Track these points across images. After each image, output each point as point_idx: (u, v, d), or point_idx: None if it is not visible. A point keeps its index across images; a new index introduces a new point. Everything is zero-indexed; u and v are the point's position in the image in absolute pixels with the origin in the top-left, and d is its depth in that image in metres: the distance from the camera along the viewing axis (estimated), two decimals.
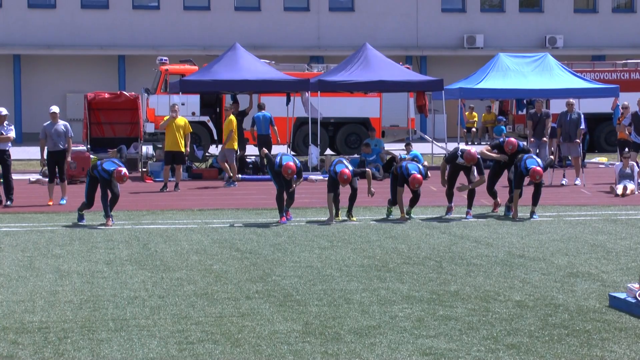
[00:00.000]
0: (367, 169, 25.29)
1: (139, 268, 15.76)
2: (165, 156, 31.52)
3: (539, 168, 23.51)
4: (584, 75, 42.83)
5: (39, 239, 19.45)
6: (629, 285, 12.81)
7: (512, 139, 25.35)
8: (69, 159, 27.31)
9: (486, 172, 24.18)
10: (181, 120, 31.20)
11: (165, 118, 31.37)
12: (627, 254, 17.59)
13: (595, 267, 15.99)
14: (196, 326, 11.39)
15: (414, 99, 44.54)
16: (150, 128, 40.88)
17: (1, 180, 26.64)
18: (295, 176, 22.48)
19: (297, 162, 22.91)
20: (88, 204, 22.27)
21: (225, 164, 32.46)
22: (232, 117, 32.81)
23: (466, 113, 51.77)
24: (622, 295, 12.57)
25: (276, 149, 33.84)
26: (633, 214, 24.52)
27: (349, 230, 21.24)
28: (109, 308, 12.49)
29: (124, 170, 21.63)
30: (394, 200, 23.65)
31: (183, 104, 38.96)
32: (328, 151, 44.70)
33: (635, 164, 29.95)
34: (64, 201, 26.40)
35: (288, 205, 22.94)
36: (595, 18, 68.80)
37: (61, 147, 26.83)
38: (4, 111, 26.72)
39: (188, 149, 31.73)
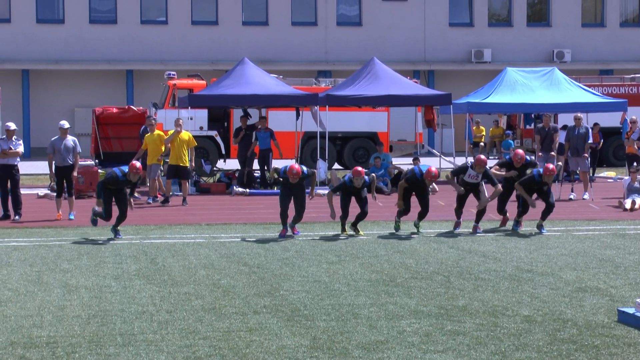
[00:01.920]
0: (372, 174, 25.24)
1: (147, 283, 15.76)
2: (168, 169, 31.55)
3: (551, 166, 23.58)
4: (592, 90, 42.78)
5: (47, 253, 19.42)
6: (637, 300, 12.78)
7: (520, 151, 25.27)
8: (75, 174, 27.28)
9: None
10: (185, 135, 31.20)
11: (170, 132, 31.23)
12: (636, 268, 17.57)
13: (604, 282, 15.96)
14: (204, 341, 11.39)
15: (422, 114, 44.65)
16: None
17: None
18: (305, 179, 22.69)
19: (304, 167, 23.02)
20: (107, 217, 21.88)
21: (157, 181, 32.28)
22: (164, 132, 32.57)
23: (473, 127, 51.71)
24: (631, 310, 12.54)
25: (282, 164, 34.00)
26: None
27: (356, 245, 21.16)
28: (117, 323, 12.49)
29: (138, 163, 21.35)
30: (400, 203, 23.67)
31: (191, 119, 39.12)
32: (336, 165, 44.65)
33: None
34: (72, 216, 26.36)
35: (295, 221, 22.72)
36: (603, 32, 68.83)
37: (70, 162, 26.84)
38: (13, 126, 26.78)
39: (193, 164, 31.74)
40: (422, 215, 23.73)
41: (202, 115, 40.45)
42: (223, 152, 41.49)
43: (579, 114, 34.05)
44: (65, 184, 26.73)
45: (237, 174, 37.57)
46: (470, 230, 23.71)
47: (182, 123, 31.44)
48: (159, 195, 31.61)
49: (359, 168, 23.06)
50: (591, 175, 34.84)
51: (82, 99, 59.44)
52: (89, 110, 43.70)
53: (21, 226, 24.72)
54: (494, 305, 13.85)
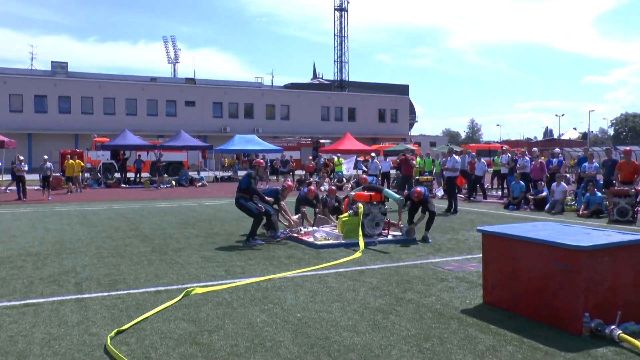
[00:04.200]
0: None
1: (82, 226, 14.90)
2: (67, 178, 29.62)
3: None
4: (271, 144, 43.39)
5: (37, 215, 18.08)
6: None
7: (418, 188, 12.50)
8: (51, 179, 25.97)
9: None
10: (78, 163, 29.28)
11: (71, 162, 29.17)
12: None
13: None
14: (106, 251, 10.96)
15: (201, 153, 44.30)
16: (88, 165, 38.78)
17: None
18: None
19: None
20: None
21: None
22: (77, 160, 29.90)
23: (223, 159, 50.78)
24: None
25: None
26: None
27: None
28: (67, 244, 11.84)
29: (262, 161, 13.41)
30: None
31: (103, 155, 37.81)
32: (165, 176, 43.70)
33: None
34: (50, 198, 24.63)
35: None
36: (287, 122, 69.71)
37: (49, 173, 25.58)
38: (21, 157, 25.20)
39: (79, 174, 29.96)
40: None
41: (107, 152, 38.58)
42: (117, 169, 39.57)
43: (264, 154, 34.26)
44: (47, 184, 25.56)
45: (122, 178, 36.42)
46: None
47: (76, 157, 30.18)
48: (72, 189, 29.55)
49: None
50: None
51: (56, 147, 55.24)
52: (57, 152, 41.27)
53: (25, 203, 22.92)
54: (165, 233, 13.80)
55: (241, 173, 43.08)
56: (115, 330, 5.91)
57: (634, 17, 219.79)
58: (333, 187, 14.81)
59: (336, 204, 14.26)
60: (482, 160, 23.84)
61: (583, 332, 5.71)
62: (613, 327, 5.65)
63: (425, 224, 12.36)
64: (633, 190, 15.81)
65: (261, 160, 13.27)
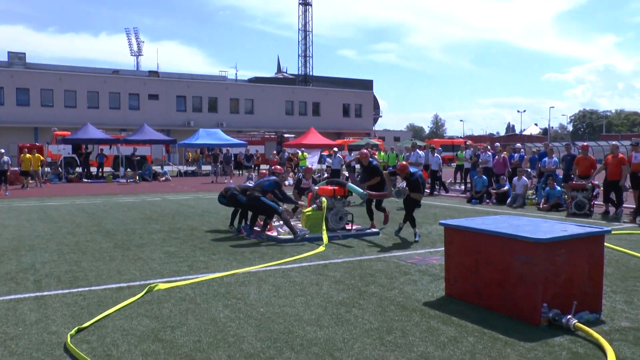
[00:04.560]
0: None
1: (42, 222, 14.57)
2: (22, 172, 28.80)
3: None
4: (236, 137, 43.11)
5: None
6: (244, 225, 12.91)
7: (403, 162, 12.15)
8: (8, 173, 25.22)
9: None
10: (37, 157, 28.49)
11: (28, 156, 28.41)
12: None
13: None
14: (67, 247, 10.74)
15: (164, 147, 43.83)
16: (49, 159, 37.93)
17: None
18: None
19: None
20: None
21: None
22: (37, 155, 29.13)
23: (188, 154, 50.13)
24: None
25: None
26: None
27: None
28: (26, 240, 11.56)
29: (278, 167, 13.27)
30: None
31: (64, 149, 36.96)
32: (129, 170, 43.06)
33: None
34: (8, 193, 24.02)
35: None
36: (253, 116, 69.20)
37: (6, 168, 24.84)
38: None
39: (39, 169, 29.16)
40: None
41: (69, 146, 37.77)
42: (79, 163, 38.82)
43: (229, 148, 33.94)
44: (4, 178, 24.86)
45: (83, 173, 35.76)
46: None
47: (35, 151, 29.52)
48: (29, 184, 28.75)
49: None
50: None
51: (14, 141, 53.85)
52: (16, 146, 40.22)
53: None
54: (128, 229, 13.73)
55: (205, 167, 42.73)
56: (76, 328, 5.79)
57: (591, 18, 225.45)
58: (310, 167, 14.90)
59: (312, 184, 14.30)
60: (437, 155, 23.98)
61: (541, 322, 5.85)
62: (569, 316, 5.80)
63: (403, 216, 11.93)
64: (590, 185, 16.20)
65: (279, 167, 13.17)
